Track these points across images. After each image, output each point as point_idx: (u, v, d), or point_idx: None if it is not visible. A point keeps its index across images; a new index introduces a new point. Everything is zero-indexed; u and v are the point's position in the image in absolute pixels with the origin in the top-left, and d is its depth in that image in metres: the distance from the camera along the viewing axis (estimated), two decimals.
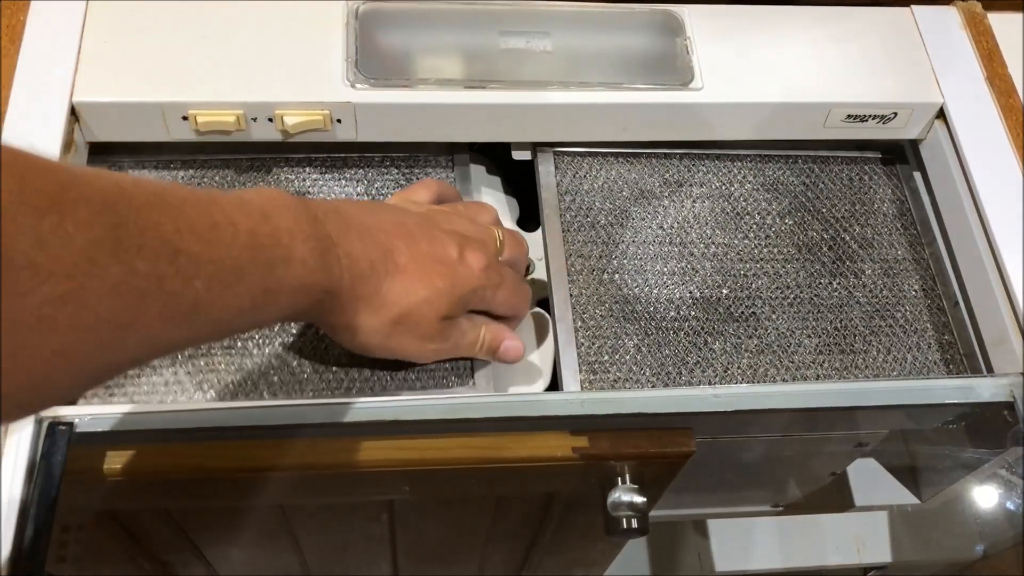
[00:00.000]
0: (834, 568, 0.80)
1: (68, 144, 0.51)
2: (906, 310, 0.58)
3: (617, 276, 0.58)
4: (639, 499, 0.49)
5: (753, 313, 0.57)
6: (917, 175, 0.64)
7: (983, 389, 0.50)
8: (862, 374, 0.55)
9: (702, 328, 0.56)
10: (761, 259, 0.59)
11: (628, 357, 0.54)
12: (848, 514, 0.78)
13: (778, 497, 0.80)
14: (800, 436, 0.58)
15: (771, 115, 0.59)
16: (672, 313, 0.56)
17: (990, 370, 0.56)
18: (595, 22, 0.60)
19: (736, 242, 0.60)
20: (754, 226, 0.61)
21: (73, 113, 0.52)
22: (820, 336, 0.57)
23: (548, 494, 0.56)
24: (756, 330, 0.56)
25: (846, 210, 0.62)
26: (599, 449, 0.47)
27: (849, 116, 0.59)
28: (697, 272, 0.58)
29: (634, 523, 0.49)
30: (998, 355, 0.55)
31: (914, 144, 0.63)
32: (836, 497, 0.77)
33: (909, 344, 0.57)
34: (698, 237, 0.60)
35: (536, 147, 0.61)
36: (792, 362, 0.55)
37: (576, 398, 0.47)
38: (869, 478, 0.76)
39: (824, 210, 0.62)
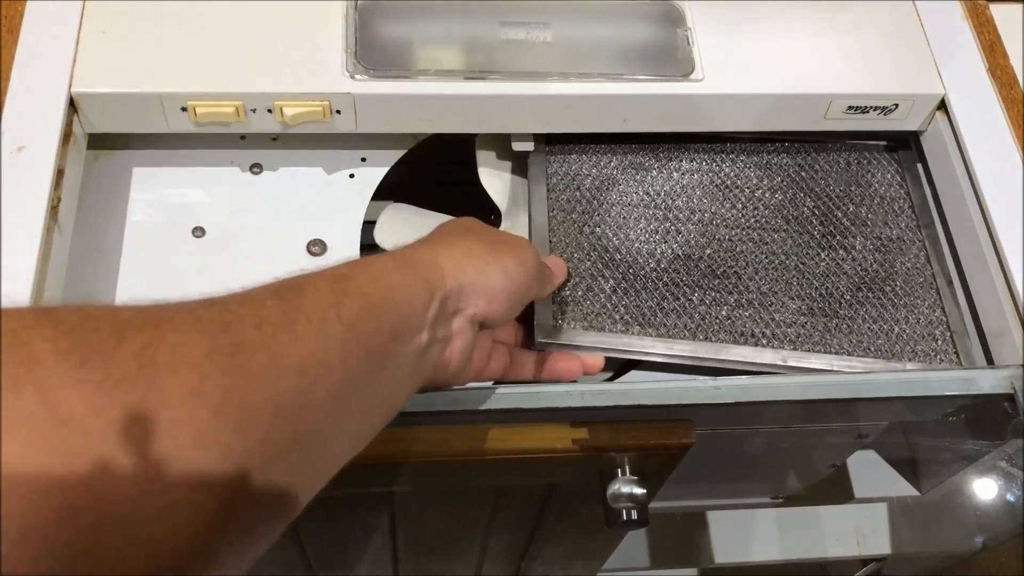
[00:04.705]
0: (834, 560, 0.80)
1: (67, 135, 0.51)
2: (896, 285, 0.58)
3: (599, 229, 0.58)
4: (639, 490, 0.49)
5: (736, 272, 0.57)
6: (920, 164, 0.64)
7: (983, 381, 0.49)
8: (846, 338, 0.55)
9: (682, 281, 0.56)
10: (747, 227, 0.59)
11: (603, 296, 0.55)
12: (848, 506, 0.78)
13: (778, 489, 0.80)
14: (800, 428, 0.58)
15: (772, 106, 0.59)
16: (652, 264, 0.57)
17: (990, 360, 0.56)
18: (596, 13, 0.60)
19: (723, 211, 0.60)
20: (743, 198, 0.61)
21: (72, 104, 0.52)
22: (804, 300, 0.56)
23: (548, 485, 0.56)
24: (737, 286, 0.57)
25: (841, 190, 0.62)
26: (599, 440, 0.47)
27: (850, 107, 0.59)
28: (680, 232, 0.58)
29: (634, 514, 0.49)
30: (999, 347, 0.55)
31: (915, 136, 0.63)
32: (836, 489, 0.77)
33: (897, 317, 0.57)
34: (684, 204, 0.60)
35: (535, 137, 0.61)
36: (773, 319, 0.55)
37: (576, 390, 0.47)
38: (869, 470, 0.76)
39: (818, 188, 0.62)
